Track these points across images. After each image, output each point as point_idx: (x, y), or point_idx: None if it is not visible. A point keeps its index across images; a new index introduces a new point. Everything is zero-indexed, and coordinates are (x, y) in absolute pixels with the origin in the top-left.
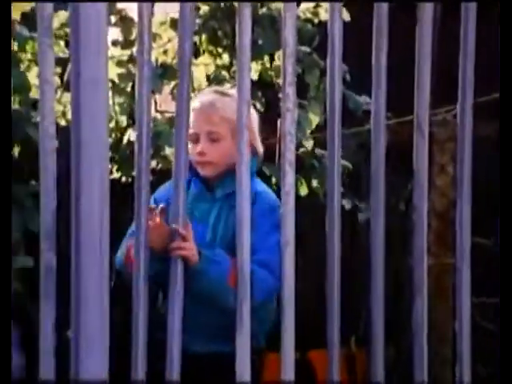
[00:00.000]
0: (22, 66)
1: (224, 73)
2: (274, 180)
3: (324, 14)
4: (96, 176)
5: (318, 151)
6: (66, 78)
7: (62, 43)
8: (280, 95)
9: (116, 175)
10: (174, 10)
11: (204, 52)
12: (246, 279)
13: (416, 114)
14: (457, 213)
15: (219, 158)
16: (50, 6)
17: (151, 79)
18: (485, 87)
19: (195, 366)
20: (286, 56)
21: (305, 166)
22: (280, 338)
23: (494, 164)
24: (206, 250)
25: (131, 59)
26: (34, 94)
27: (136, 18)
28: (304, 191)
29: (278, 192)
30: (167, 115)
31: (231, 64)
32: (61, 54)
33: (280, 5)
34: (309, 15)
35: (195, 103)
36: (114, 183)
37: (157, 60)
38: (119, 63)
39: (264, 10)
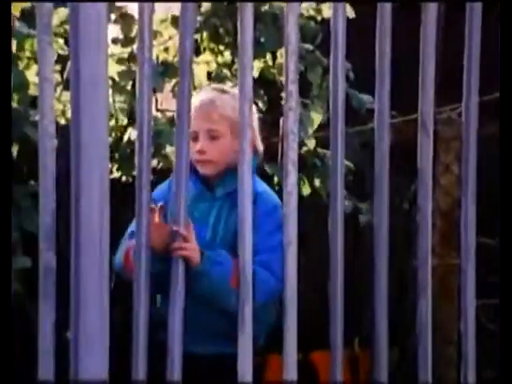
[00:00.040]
0: (21, 64)
1: (225, 71)
2: (276, 179)
3: (327, 11)
4: (96, 175)
5: (321, 151)
6: (65, 75)
7: (61, 41)
8: (282, 93)
9: (116, 174)
10: (175, 7)
11: (205, 50)
12: (248, 280)
13: (420, 112)
14: (462, 212)
15: (219, 157)
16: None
17: (152, 77)
18: (487, 86)
19: (196, 368)
20: (288, 54)
21: (307, 166)
22: (281, 340)
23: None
24: (208, 251)
25: (131, 57)
26: (32, 91)
27: (136, 16)
28: (306, 191)
29: (280, 192)
30: (168, 114)
31: (233, 62)
32: (60, 52)
33: (282, 2)
34: (312, 12)
35: (194, 101)
36: (114, 183)
37: (157, 58)
38: (119, 61)
39: (266, 7)
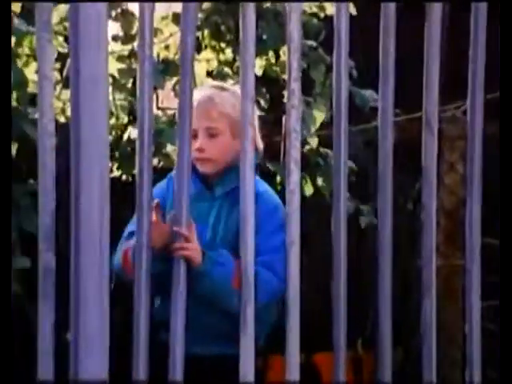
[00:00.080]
0: (20, 62)
1: (227, 69)
2: (278, 178)
3: (330, 8)
4: (96, 174)
5: (324, 150)
6: (65, 73)
7: (60, 38)
8: (285, 91)
9: (116, 173)
10: (175, 4)
11: (206, 47)
12: (250, 281)
13: (425, 111)
14: (466, 212)
15: (218, 155)
16: None
17: (152, 75)
18: (487, 86)
19: (197, 369)
20: (290, 51)
21: (310, 165)
22: (284, 340)
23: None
24: (209, 251)
25: (132, 54)
26: (31, 89)
27: (137, 13)
28: (309, 190)
29: (282, 191)
30: (169, 112)
31: (234, 60)
32: (60, 49)
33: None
34: (314, 9)
35: (193, 98)
36: (115, 181)
37: (158, 55)
38: (120, 58)
39: (268, 4)
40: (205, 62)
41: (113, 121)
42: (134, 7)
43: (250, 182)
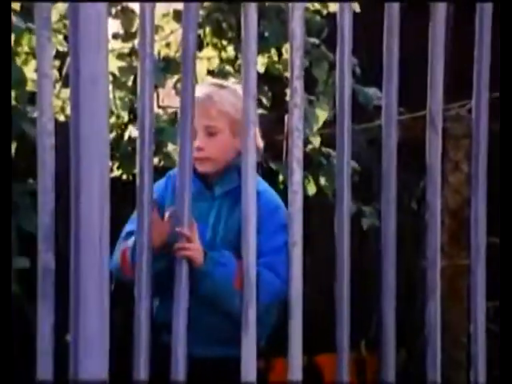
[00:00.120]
0: (19, 60)
1: (228, 67)
2: (280, 178)
3: (333, 5)
4: (96, 174)
5: (326, 149)
6: (64, 72)
7: (60, 36)
8: (287, 90)
9: (117, 173)
10: (177, 2)
11: (208, 45)
12: (251, 282)
13: (429, 109)
14: (472, 211)
15: (218, 154)
16: None
17: (153, 73)
18: (494, 84)
19: (199, 370)
20: (293, 49)
21: (313, 164)
22: (286, 342)
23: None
24: (211, 252)
25: (132, 52)
26: (30, 88)
27: (137, 10)
28: (312, 189)
29: (285, 190)
30: (170, 110)
31: (236, 57)
32: (59, 47)
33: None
34: (317, 6)
35: None
36: (115, 181)
37: (159, 53)
38: (120, 56)
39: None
40: (206, 59)
41: (113, 120)
42: (134, 4)
43: (252, 182)
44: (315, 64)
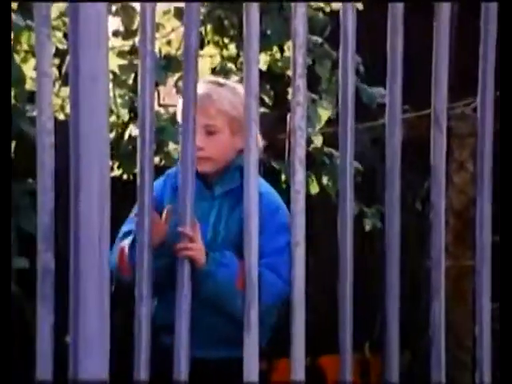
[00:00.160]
0: (18, 58)
1: (230, 65)
2: (283, 177)
3: (336, 2)
4: (96, 173)
5: (328, 149)
6: (64, 70)
7: (59, 34)
8: (290, 88)
9: (117, 172)
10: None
11: (209, 43)
12: (253, 282)
13: (433, 108)
14: (477, 211)
15: (217, 153)
16: None
17: (154, 71)
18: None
19: (201, 372)
20: (296, 47)
21: (315, 163)
22: (288, 343)
23: None
24: (213, 252)
25: (133, 50)
26: (29, 86)
27: (138, 7)
28: (314, 189)
29: (287, 189)
30: (171, 109)
31: (238, 55)
32: (59, 45)
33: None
34: (320, 4)
35: None
36: (115, 181)
37: (160, 51)
38: (120, 54)
39: None
40: (208, 57)
41: (113, 119)
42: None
43: (254, 181)
44: (318, 62)
